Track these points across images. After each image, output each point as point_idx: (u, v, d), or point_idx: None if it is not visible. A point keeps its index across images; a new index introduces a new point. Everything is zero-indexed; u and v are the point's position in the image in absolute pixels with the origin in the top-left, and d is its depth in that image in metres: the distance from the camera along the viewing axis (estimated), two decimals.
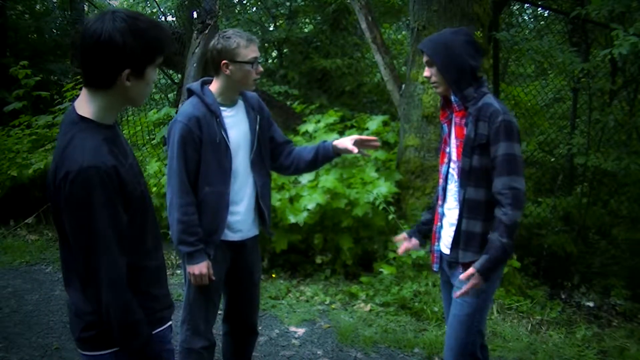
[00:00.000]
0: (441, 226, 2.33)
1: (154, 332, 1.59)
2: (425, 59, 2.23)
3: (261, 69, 2.39)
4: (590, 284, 4.26)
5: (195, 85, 2.41)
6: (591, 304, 4.06)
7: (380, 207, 4.29)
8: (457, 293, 2.18)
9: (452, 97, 2.20)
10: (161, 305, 1.65)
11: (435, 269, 2.40)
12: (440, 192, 2.33)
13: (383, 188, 4.34)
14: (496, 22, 5.14)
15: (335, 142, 2.48)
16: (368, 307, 4.03)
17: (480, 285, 2.12)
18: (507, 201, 2.07)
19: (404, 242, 2.54)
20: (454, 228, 2.23)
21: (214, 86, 2.39)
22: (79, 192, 1.37)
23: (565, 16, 5.36)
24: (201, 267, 2.32)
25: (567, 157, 5.04)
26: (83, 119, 1.45)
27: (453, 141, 2.26)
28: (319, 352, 3.47)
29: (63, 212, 1.41)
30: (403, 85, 4.97)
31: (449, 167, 2.29)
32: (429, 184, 4.62)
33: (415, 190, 4.66)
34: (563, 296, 4.18)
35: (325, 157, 2.53)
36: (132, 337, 1.50)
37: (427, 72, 2.24)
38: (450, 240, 2.25)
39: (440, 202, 2.34)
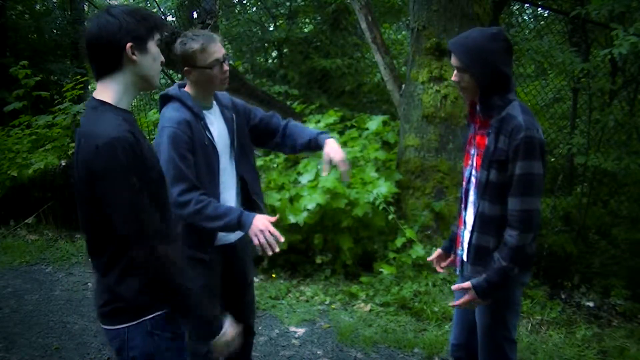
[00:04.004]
0: (464, 230, 2.26)
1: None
2: (455, 63, 2.06)
3: (226, 67, 2.30)
4: (590, 284, 4.25)
5: (173, 89, 2.34)
6: (591, 304, 4.06)
7: (380, 207, 4.29)
8: (452, 302, 2.16)
9: (478, 107, 2.09)
10: None
11: (457, 272, 2.36)
12: (463, 196, 2.25)
13: (383, 188, 4.34)
14: (496, 22, 5.13)
15: (327, 150, 2.39)
16: (368, 307, 4.02)
17: (476, 303, 2.08)
18: (515, 224, 2.00)
19: (438, 260, 2.45)
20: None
21: (189, 89, 2.35)
22: (109, 160, 1.47)
23: (565, 16, 5.36)
24: (259, 218, 2.18)
25: (567, 157, 5.04)
26: (103, 102, 1.58)
27: (475, 144, 2.16)
28: (319, 352, 3.47)
29: (98, 184, 1.51)
30: (403, 85, 4.97)
31: (471, 170, 2.19)
32: (429, 184, 4.62)
33: (415, 190, 4.67)
34: (563, 296, 4.18)
35: (316, 149, 2.49)
36: (183, 292, 1.60)
37: (455, 78, 2.09)
38: (467, 247, 2.20)
39: (463, 206, 2.26)
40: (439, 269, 2.46)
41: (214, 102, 2.43)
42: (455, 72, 2.09)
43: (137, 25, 1.56)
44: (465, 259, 2.22)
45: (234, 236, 2.46)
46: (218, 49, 2.27)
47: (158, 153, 2.18)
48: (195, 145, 2.24)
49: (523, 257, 2.04)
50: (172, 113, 2.27)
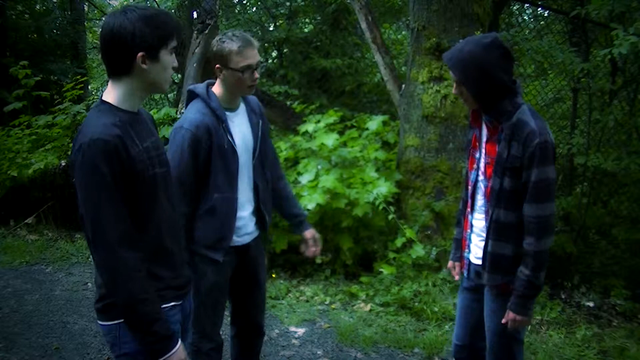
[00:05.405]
0: (471, 233, 2.25)
1: None
2: (453, 76, 2.07)
3: (257, 75, 2.31)
4: (590, 284, 4.25)
5: (200, 88, 2.35)
6: (591, 304, 4.06)
7: (380, 207, 4.29)
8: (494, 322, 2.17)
9: (484, 117, 2.09)
10: (162, 284, 1.69)
11: (464, 275, 2.36)
12: (469, 200, 2.23)
13: (383, 188, 4.34)
14: (496, 22, 5.14)
15: (306, 233, 2.64)
16: (368, 307, 4.03)
17: (523, 322, 2.09)
18: (534, 231, 1.99)
19: (452, 269, 2.48)
20: (482, 241, 2.16)
21: (216, 89, 2.36)
22: (87, 160, 1.49)
23: (565, 16, 5.36)
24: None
25: (567, 157, 5.03)
26: (103, 102, 1.62)
27: (484, 152, 2.14)
28: (319, 352, 3.47)
29: (74, 182, 1.54)
30: (403, 85, 4.97)
31: (477, 174, 2.18)
32: (429, 184, 4.62)
33: (415, 190, 4.66)
34: (563, 296, 4.18)
35: (290, 221, 2.71)
36: (134, 303, 1.55)
37: (455, 90, 2.10)
38: (477, 250, 2.20)
39: (469, 210, 2.24)
40: (456, 277, 2.46)
41: (242, 104, 2.44)
42: (454, 84, 2.09)
43: (150, 35, 1.55)
44: (478, 262, 2.21)
45: (249, 237, 2.48)
46: (253, 55, 2.27)
47: (170, 149, 2.24)
48: (213, 149, 2.26)
49: (544, 260, 2.04)
50: (194, 114, 2.28)
